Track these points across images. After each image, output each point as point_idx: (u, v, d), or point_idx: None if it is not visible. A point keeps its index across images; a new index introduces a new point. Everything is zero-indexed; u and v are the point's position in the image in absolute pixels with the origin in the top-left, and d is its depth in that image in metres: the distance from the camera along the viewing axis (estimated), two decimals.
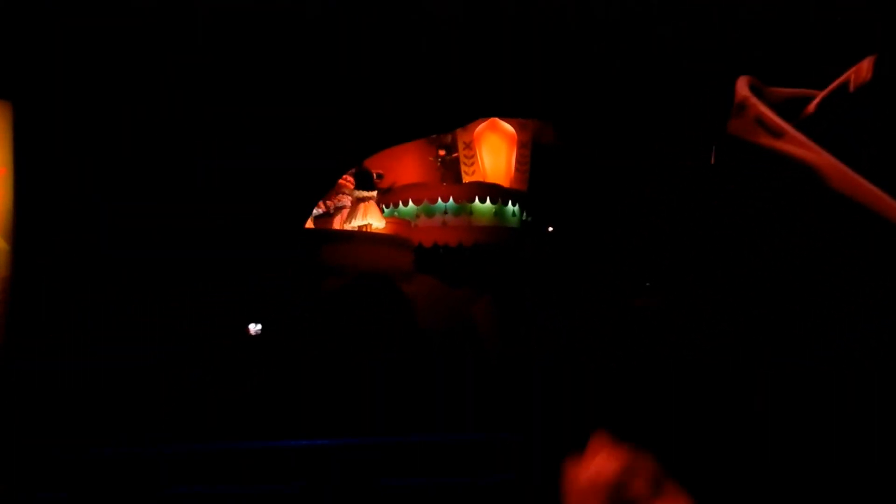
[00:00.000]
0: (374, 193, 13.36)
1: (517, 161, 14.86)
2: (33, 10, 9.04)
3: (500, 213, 14.11)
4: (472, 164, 14.65)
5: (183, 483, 6.35)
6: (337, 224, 13.00)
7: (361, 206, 13.02)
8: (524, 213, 14.49)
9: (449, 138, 14.81)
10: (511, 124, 14.71)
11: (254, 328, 10.83)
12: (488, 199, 14.01)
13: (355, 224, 12.89)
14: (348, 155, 11.32)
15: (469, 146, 14.64)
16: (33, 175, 8.52)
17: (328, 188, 12.42)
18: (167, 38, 9.53)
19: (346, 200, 13.19)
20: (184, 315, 9.38)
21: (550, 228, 14.54)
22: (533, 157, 15.04)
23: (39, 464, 6.48)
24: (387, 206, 13.98)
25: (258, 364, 9.83)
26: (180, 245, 9.59)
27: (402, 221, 13.55)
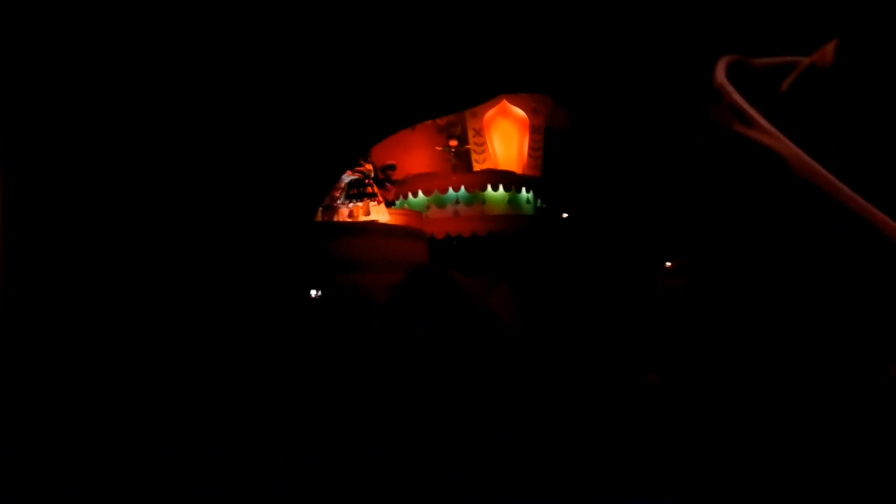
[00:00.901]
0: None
1: (530, 146, 14.34)
2: (19, 8, 8.71)
3: (514, 201, 13.59)
4: (483, 151, 14.14)
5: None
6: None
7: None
8: (539, 200, 14.00)
9: (459, 129, 14.34)
10: (523, 108, 14.21)
11: (315, 293, 10.50)
12: (501, 186, 13.49)
13: (361, 220, 12.46)
14: (358, 140, 10.87)
15: (479, 133, 14.14)
16: (20, 176, 8.20)
17: (338, 177, 11.98)
18: (164, 33, 9.17)
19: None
20: (189, 314, 9.06)
21: (566, 215, 14.03)
22: (546, 141, 14.56)
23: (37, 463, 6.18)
24: (395, 199, 13.55)
25: (272, 362, 9.48)
26: (184, 243, 9.28)
27: (413, 213, 13.07)
